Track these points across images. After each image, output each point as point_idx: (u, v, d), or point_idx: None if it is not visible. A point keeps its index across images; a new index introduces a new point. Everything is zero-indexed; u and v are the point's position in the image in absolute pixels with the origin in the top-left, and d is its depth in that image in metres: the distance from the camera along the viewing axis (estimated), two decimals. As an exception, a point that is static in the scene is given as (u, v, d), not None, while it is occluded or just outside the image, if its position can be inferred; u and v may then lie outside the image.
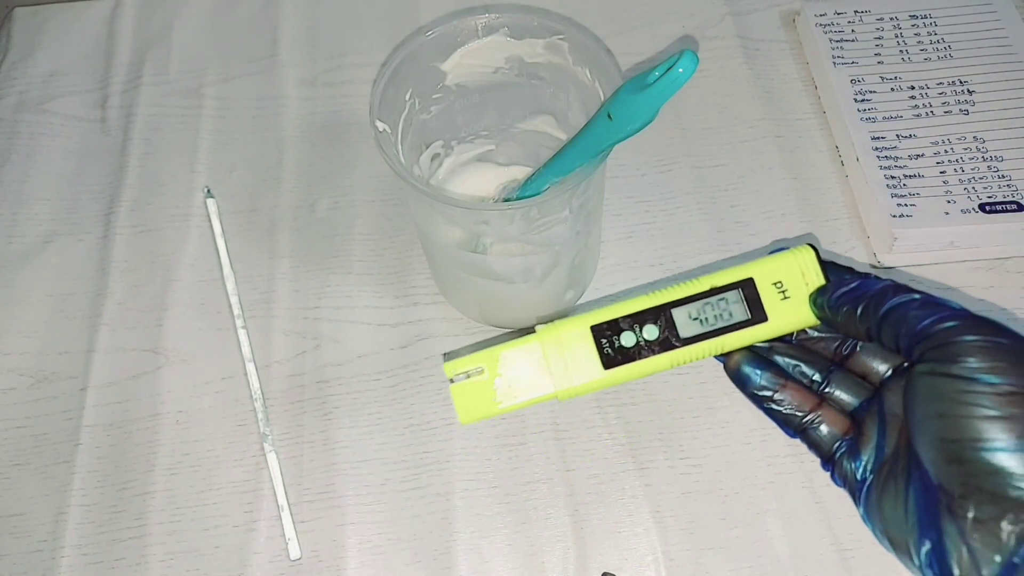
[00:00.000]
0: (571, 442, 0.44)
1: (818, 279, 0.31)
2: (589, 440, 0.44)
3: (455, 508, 0.42)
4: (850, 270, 0.32)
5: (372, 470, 0.43)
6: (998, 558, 0.23)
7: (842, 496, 0.41)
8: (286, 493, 0.43)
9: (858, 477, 0.29)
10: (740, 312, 0.31)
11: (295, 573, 0.41)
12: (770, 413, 0.31)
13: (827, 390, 0.31)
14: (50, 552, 0.42)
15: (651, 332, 0.32)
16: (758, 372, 0.31)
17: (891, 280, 0.29)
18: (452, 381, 0.32)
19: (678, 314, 0.32)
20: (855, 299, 0.28)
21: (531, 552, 0.41)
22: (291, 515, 0.42)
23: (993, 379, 0.24)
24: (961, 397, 0.24)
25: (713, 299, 0.32)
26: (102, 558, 0.42)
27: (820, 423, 0.31)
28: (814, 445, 0.31)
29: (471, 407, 0.32)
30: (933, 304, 0.26)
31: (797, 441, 0.33)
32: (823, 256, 0.32)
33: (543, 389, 0.32)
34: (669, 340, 0.32)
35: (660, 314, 0.32)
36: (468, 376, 0.32)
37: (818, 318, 0.31)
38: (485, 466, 0.43)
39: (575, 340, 0.32)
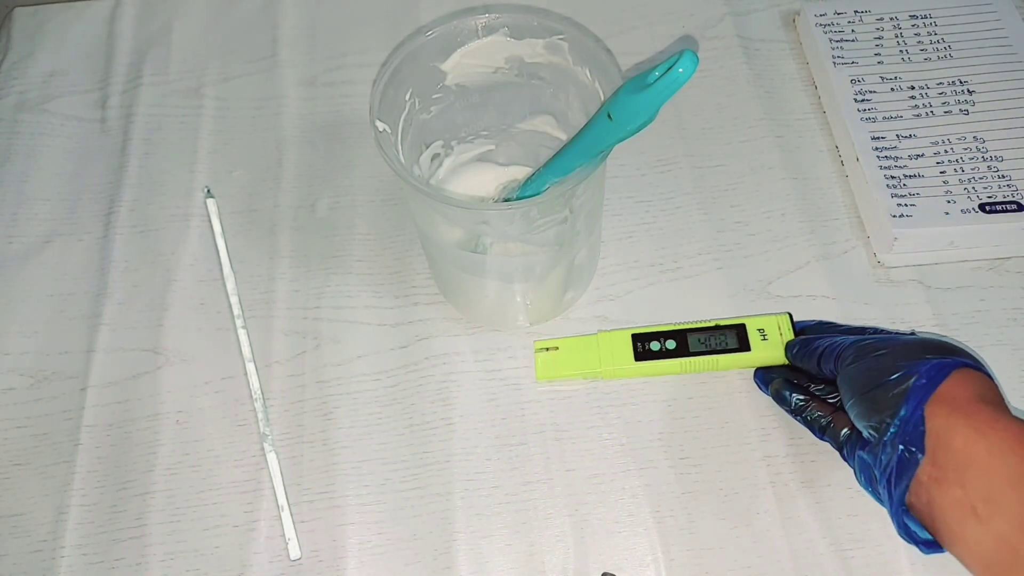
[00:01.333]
0: (571, 442, 0.44)
1: (789, 334, 0.44)
2: (589, 440, 0.44)
3: (455, 508, 0.42)
4: (830, 326, 0.45)
5: (372, 470, 0.43)
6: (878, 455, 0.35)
7: (842, 496, 0.41)
8: (286, 493, 0.43)
9: (853, 455, 0.39)
10: (733, 343, 0.44)
11: (295, 573, 0.41)
12: (804, 422, 0.42)
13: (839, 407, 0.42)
14: (50, 552, 0.42)
15: (671, 344, 0.45)
16: (793, 394, 0.42)
17: (832, 338, 0.41)
18: (538, 351, 0.46)
19: (691, 336, 0.45)
20: (806, 350, 0.42)
21: (531, 552, 0.41)
22: (291, 515, 0.42)
23: (871, 358, 0.37)
24: (855, 372, 0.37)
25: (716, 332, 0.45)
26: (102, 558, 0.42)
27: (835, 425, 0.41)
28: (833, 440, 0.41)
29: (546, 371, 0.45)
30: (839, 343, 0.40)
31: (796, 442, 0.43)
32: (825, 320, 0.46)
33: (593, 367, 0.45)
34: (681, 351, 0.45)
35: (680, 335, 0.45)
36: (548, 351, 0.45)
37: (787, 358, 0.44)
38: (485, 466, 0.43)
39: (620, 341, 0.45)
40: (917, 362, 0.35)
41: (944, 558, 0.34)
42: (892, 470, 0.34)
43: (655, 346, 0.45)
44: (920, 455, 0.33)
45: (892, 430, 0.34)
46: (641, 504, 0.42)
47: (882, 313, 0.46)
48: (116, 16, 0.59)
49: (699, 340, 0.45)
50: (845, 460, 0.40)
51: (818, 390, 0.43)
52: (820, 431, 0.41)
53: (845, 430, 0.40)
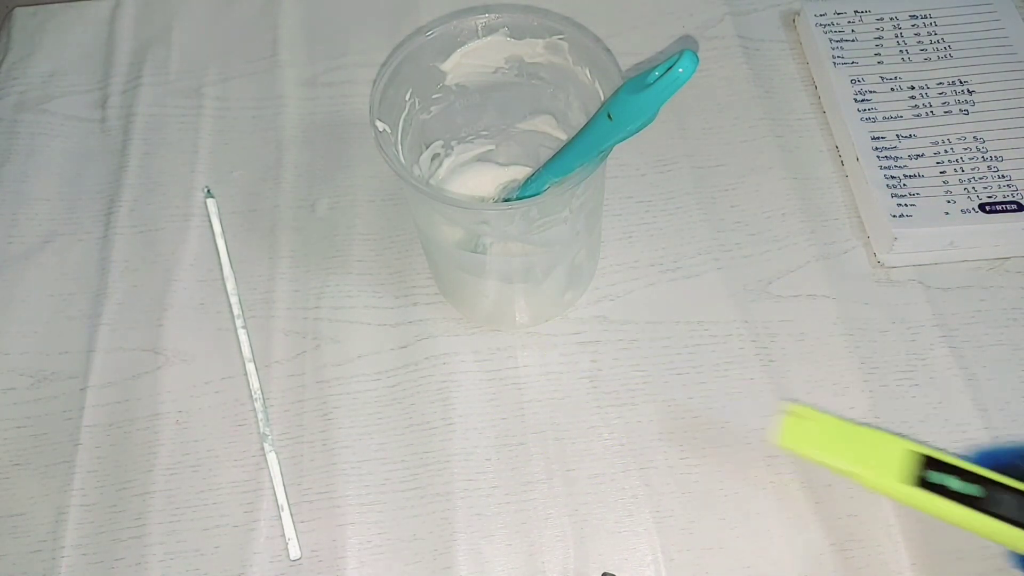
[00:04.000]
0: (571, 442, 0.44)
1: None
2: (589, 440, 0.44)
3: (455, 508, 0.42)
4: None
5: (372, 470, 0.43)
6: None
7: (842, 496, 0.41)
8: (286, 493, 0.43)
9: None
10: None
11: (295, 573, 0.41)
12: None
13: None
14: (50, 552, 0.42)
15: (973, 490, 0.32)
16: None
17: None
18: (786, 414, 0.37)
19: (1002, 494, 0.32)
20: None
21: (531, 552, 0.41)
22: (291, 515, 0.42)
23: None
24: None
25: None
26: (102, 558, 0.42)
27: None
28: None
29: (792, 439, 0.36)
30: None
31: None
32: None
33: (856, 464, 0.35)
34: (982, 503, 0.32)
35: (987, 484, 0.32)
36: (797, 417, 0.37)
37: None
38: (485, 466, 0.43)
39: (893, 449, 0.34)
40: None
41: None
42: None
43: (952, 483, 0.33)
44: None
45: None
46: (641, 504, 0.42)
47: (882, 313, 0.46)
48: (116, 16, 0.59)
49: (1014, 502, 0.32)
50: None
51: None
52: None
53: None
